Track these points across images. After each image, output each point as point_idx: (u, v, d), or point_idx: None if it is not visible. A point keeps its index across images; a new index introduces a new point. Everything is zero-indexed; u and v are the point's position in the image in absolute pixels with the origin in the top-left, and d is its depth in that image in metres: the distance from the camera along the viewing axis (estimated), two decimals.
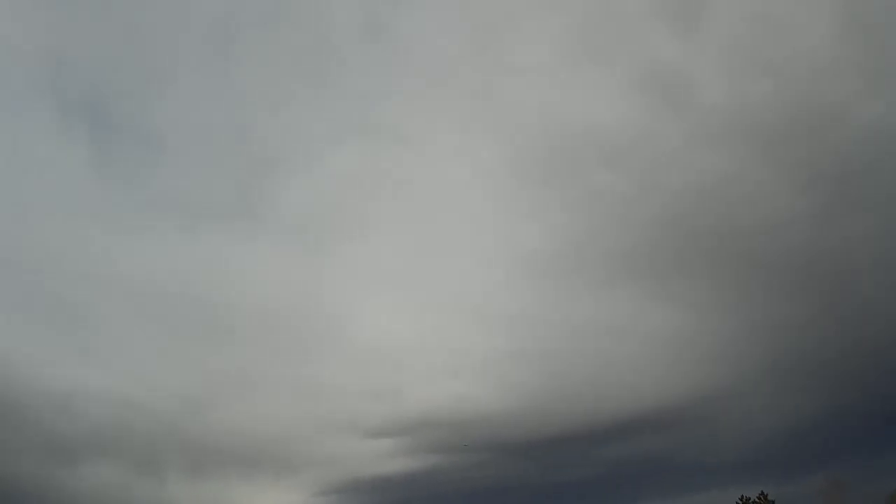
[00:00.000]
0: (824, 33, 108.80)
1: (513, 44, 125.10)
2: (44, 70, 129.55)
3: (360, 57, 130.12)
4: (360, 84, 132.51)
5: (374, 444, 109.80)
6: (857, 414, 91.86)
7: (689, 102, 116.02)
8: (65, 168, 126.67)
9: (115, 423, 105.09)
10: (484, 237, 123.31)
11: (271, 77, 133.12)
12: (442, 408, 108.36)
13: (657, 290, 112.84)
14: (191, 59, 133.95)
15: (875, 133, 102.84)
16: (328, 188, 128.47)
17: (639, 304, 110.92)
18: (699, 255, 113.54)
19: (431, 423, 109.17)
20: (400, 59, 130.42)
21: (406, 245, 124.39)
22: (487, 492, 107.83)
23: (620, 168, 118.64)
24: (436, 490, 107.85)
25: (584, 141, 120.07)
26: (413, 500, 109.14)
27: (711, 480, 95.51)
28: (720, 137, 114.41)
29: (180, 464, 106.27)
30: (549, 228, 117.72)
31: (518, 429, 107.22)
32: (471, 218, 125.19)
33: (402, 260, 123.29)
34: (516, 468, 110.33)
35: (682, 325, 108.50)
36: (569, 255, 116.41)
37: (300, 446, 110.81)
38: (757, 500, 72.46)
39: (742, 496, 73.84)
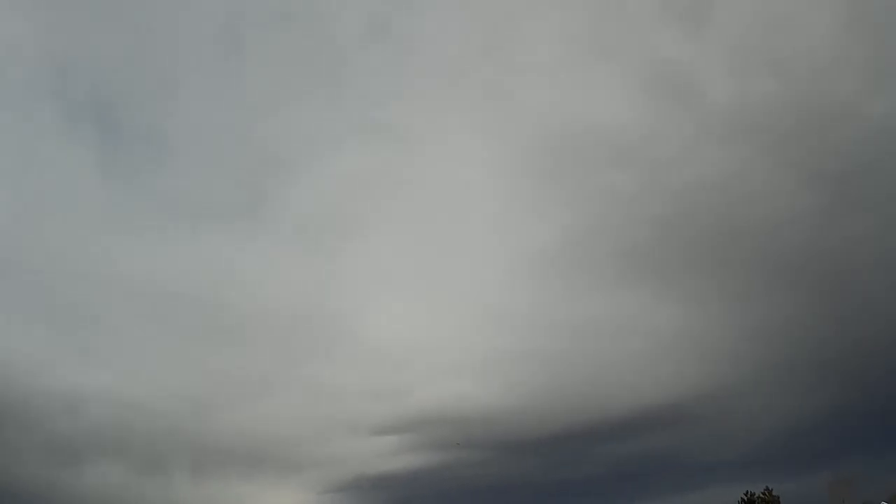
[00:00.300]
0: (828, 33, 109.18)
1: (517, 44, 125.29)
2: (49, 71, 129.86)
3: (365, 57, 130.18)
4: (364, 84, 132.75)
5: (377, 442, 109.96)
6: (859, 412, 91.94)
7: (694, 101, 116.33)
8: (70, 169, 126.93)
9: (117, 424, 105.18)
10: (488, 237, 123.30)
11: (276, 78, 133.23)
12: (446, 406, 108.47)
13: (661, 289, 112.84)
14: (196, 61, 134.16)
15: (878, 132, 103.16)
16: (332, 189, 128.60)
17: (643, 303, 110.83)
18: (703, 253, 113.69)
19: (435, 421, 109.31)
20: (405, 60, 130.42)
21: (410, 245, 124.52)
22: (491, 489, 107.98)
23: (626, 167, 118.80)
24: (439, 487, 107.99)
25: (590, 140, 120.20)
26: (417, 497, 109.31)
27: (715, 478, 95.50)
28: (725, 136, 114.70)
29: (183, 464, 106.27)
30: (553, 228, 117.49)
31: (521, 427, 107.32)
32: (474, 218, 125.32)
33: (406, 260, 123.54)
34: (519, 466, 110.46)
35: (686, 323, 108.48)
36: (573, 253, 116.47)
37: (303, 445, 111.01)
38: (762, 495, 72.24)
39: (746, 492, 73.69)
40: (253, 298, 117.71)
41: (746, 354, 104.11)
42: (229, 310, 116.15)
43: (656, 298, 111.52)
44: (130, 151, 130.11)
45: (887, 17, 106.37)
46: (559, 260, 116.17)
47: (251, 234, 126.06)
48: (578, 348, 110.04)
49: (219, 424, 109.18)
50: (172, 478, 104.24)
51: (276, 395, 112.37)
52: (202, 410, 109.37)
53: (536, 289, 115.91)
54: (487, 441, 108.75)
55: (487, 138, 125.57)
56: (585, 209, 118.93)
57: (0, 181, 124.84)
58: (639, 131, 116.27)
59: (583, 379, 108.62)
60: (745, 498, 73.20)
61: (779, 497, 72.05)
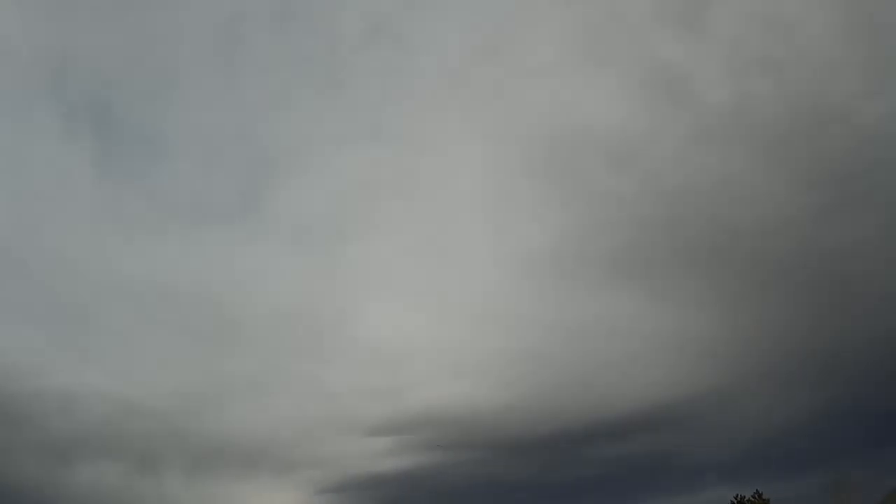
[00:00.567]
0: (825, 34, 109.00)
1: (516, 46, 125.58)
2: (48, 71, 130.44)
3: (365, 58, 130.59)
4: (365, 86, 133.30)
5: (374, 442, 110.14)
6: (855, 413, 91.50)
7: (691, 102, 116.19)
8: (68, 169, 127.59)
9: (115, 423, 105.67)
10: (484, 238, 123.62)
11: (277, 79, 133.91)
12: (442, 406, 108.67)
13: (657, 290, 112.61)
14: (196, 62, 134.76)
15: (877, 132, 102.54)
16: (331, 190, 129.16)
17: (639, 304, 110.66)
18: (700, 255, 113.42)
19: (432, 421, 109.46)
20: (404, 61, 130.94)
21: (407, 246, 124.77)
22: (486, 489, 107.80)
23: (622, 168, 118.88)
24: (435, 488, 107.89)
25: (587, 141, 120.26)
26: (413, 498, 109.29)
27: (709, 480, 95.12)
28: (722, 137, 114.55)
29: (180, 463, 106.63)
30: (550, 229, 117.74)
31: (516, 427, 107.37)
32: (471, 218, 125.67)
33: (403, 261, 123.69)
34: (514, 466, 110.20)
35: (683, 325, 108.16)
36: (570, 255, 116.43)
37: (300, 445, 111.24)
38: (752, 498, 72.01)
39: (737, 495, 73.45)
40: (249, 299, 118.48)
41: (741, 356, 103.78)
42: (226, 310, 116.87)
43: (653, 300, 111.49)
44: (128, 152, 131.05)
45: (886, 17, 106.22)
46: (555, 261, 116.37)
47: (248, 234, 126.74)
48: (573, 349, 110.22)
49: (215, 424, 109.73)
50: (167, 477, 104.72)
51: (272, 395, 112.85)
52: (198, 410, 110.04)
53: (532, 290, 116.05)
54: (482, 442, 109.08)
55: (485, 139, 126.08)
56: (582, 211, 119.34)
57: None
58: (636, 133, 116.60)
59: (577, 380, 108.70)
60: (736, 501, 73.04)
61: (769, 500, 71.81)
